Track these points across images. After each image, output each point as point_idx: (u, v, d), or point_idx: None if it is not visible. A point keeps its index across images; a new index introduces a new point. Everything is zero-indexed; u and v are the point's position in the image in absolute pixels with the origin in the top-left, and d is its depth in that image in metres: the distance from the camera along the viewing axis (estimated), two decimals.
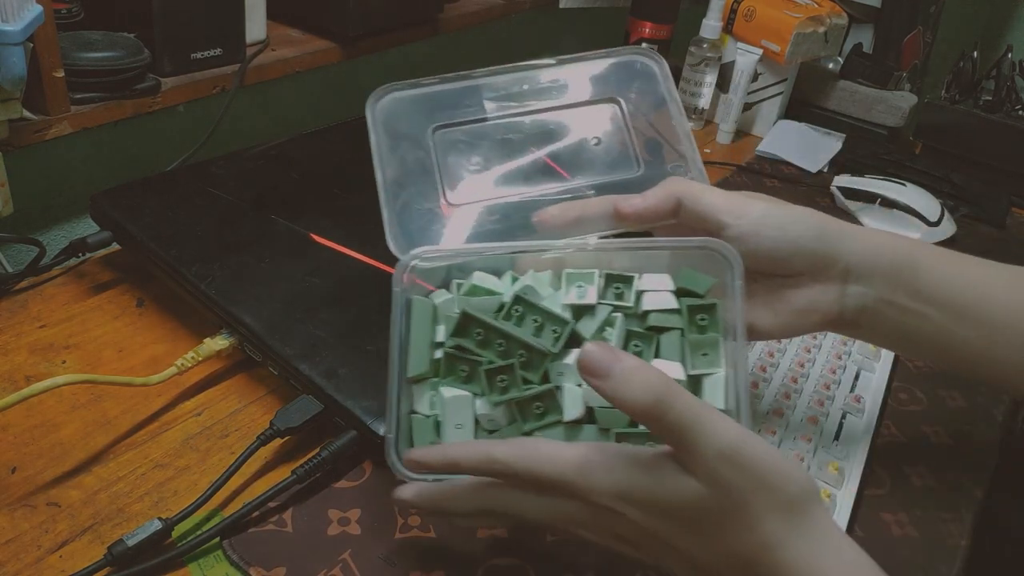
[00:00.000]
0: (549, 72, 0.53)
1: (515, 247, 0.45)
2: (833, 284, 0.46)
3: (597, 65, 0.55)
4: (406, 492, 0.41)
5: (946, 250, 0.48)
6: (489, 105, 0.51)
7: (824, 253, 0.46)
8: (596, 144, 0.52)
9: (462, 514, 0.40)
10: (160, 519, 0.44)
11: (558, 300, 0.43)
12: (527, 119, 0.52)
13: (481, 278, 0.45)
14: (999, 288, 0.47)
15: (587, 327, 0.43)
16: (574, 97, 0.53)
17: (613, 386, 0.34)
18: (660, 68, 0.55)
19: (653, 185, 0.47)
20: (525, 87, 0.52)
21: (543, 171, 0.51)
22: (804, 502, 0.35)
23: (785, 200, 0.47)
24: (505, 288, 0.45)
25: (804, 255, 0.46)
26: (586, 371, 0.35)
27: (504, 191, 0.50)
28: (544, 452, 0.36)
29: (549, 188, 0.50)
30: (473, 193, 0.49)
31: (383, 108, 0.53)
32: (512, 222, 0.49)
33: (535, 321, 0.42)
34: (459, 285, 0.45)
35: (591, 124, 0.53)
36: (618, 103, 0.53)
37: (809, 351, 0.64)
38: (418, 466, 0.40)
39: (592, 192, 0.50)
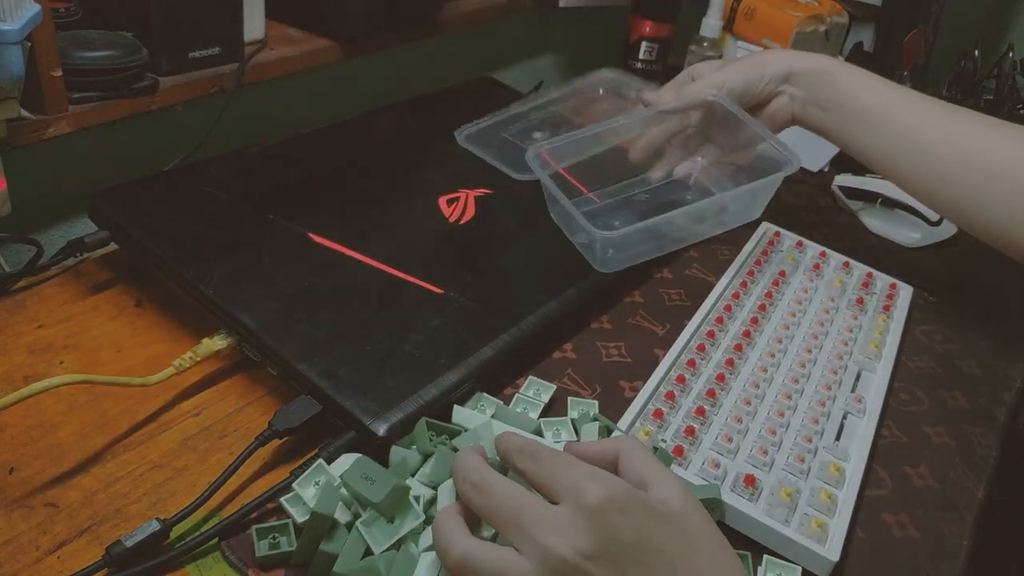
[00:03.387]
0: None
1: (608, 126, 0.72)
2: (785, 95, 0.70)
3: None
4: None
5: (863, 72, 0.68)
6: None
7: (778, 83, 0.70)
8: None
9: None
10: (158, 520, 0.44)
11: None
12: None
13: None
14: (900, 107, 0.65)
15: None
16: None
17: (577, 447, 0.43)
18: None
19: None
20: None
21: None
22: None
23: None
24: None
25: (765, 92, 0.70)
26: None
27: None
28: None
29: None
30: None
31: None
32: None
33: None
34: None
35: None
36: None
37: (810, 351, 0.64)
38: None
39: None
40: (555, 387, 0.57)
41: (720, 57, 1.01)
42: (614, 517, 0.36)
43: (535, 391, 0.57)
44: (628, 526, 0.36)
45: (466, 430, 0.49)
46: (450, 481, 0.45)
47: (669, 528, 0.37)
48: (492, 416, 0.53)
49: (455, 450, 0.47)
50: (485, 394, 0.55)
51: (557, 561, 0.36)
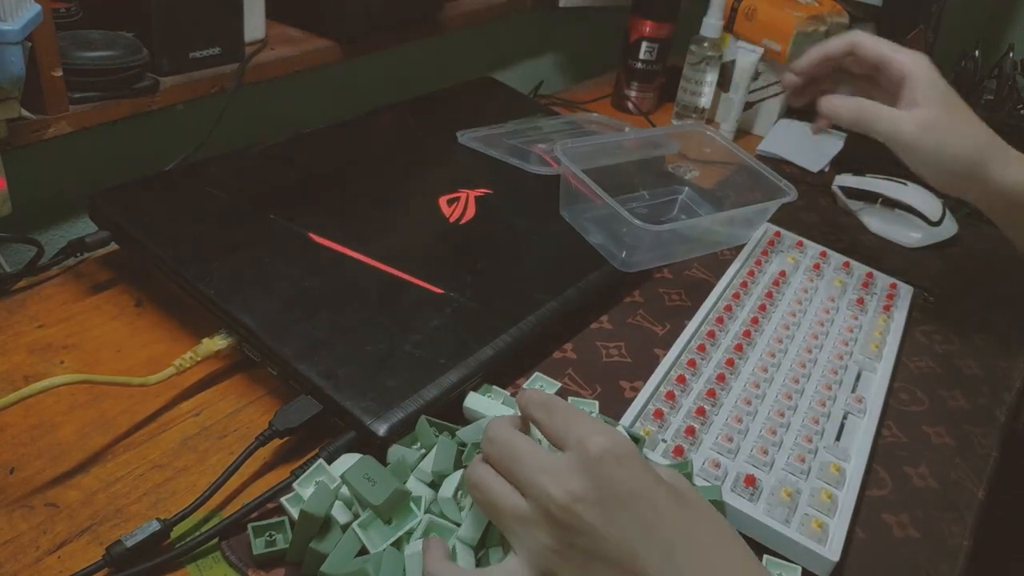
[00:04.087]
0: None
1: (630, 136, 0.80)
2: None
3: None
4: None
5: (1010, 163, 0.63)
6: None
7: (961, 178, 0.63)
8: None
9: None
10: (158, 520, 0.44)
11: None
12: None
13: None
14: None
15: None
16: None
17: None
18: None
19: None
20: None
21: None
22: None
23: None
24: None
25: (944, 174, 0.63)
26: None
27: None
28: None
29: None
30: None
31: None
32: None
33: None
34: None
35: None
36: None
37: (810, 351, 0.64)
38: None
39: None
40: (559, 384, 0.58)
41: (720, 58, 1.01)
42: (611, 467, 0.37)
43: (539, 387, 0.57)
44: (624, 477, 0.37)
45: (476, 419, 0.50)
46: (455, 473, 0.45)
47: (664, 487, 0.38)
48: (502, 404, 0.53)
49: (460, 445, 0.47)
50: (495, 386, 0.55)
51: (548, 502, 0.37)
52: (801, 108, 1.09)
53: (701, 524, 0.39)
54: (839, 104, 0.65)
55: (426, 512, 0.44)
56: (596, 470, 0.37)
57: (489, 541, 0.43)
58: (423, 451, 0.48)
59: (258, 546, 0.43)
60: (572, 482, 0.37)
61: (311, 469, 0.46)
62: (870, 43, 0.65)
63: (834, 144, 1.02)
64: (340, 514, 0.44)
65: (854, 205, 0.90)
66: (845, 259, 0.77)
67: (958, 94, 0.64)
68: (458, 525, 0.43)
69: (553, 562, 0.38)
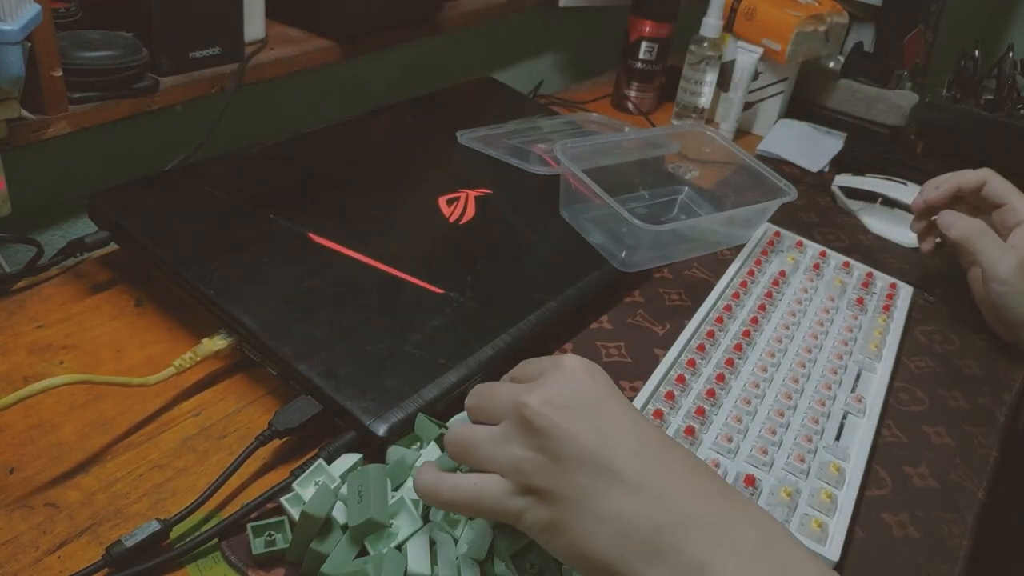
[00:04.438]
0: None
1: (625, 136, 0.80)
2: None
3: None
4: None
5: None
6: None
7: None
8: None
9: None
10: (158, 520, 0.44)
11: None
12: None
13: None
14: None
15: None
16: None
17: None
18: None
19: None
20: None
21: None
22: None
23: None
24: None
25: (1018, 316, 0.68)
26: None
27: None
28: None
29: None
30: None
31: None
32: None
33: None
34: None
35: None
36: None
37: (810, 351, 0.64)
38: None
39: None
40: None
41: (720, 58, 1.01)
42: (582, 376, 0.40)
43: None
44: (595, 385, 0.40)
45: None
46: None
47: (632, 405, 0.41)
48: None
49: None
50: None
51: (523, 408, 0.39)
52: (800, 108, 1.10)
53: (669, 440, 0.40)
54: (957, 222, 0.71)
55: (424, 518, 0.44)
56: (568, 379, 0.40)
57: (497, 550, 0.43)
58: (423, 450, 0.48)
59: (258, 546, 0.43)
60: (546, 390, 0.39)
61: (311, 469, 0.46)
62: (1000, 184, 0.72)
63: (834, 144, 1.02)
64: (340, 514, 0.44)
65: (854, 205, 0.90)
66: (845, 259, 0.77)
67: None
68: (453, 535, 0.43)
69: (527, 469, 0.38)
